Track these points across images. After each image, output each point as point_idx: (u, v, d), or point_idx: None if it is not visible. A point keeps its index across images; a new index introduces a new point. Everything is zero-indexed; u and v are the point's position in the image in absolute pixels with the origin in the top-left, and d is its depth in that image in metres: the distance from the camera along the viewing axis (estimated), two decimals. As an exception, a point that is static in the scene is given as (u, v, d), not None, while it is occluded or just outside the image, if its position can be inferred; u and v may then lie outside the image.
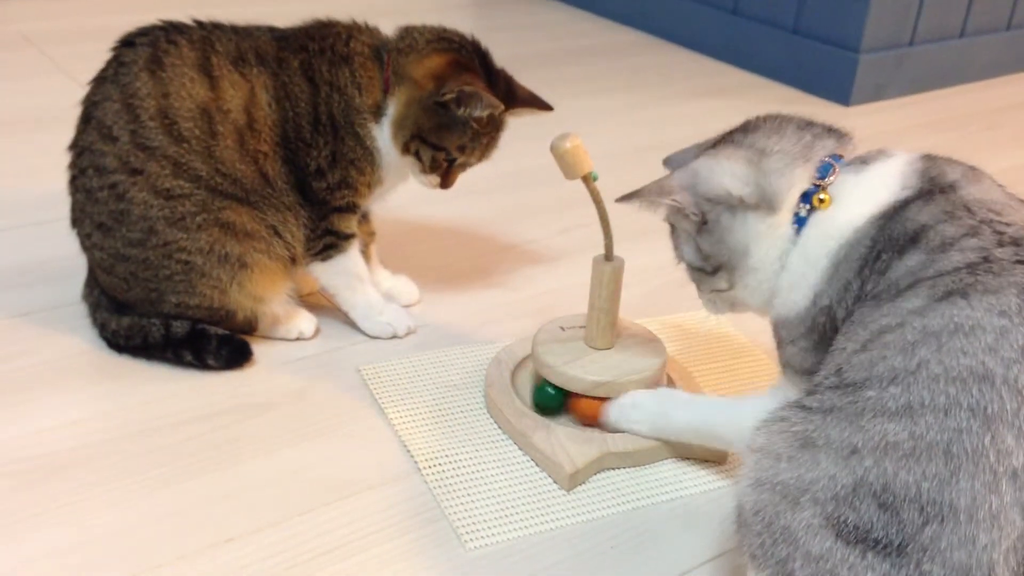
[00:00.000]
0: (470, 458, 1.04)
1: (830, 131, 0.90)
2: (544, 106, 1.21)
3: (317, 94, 1.13)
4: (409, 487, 1.00)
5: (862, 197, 0.83)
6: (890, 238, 0.78)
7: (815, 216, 0.85)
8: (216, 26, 1.15)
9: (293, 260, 1.18)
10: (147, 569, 0.88)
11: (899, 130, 2.14)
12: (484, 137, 1.16)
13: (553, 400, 1.07)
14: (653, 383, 1.09)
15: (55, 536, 0.91)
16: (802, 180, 0.86)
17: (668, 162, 0.99)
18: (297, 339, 1.23)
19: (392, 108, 1.14)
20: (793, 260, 0.86)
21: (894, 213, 0.80)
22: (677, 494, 1.02)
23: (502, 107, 1.12)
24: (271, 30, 1.17)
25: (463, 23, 1.35)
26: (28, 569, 0.87)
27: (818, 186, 0.85)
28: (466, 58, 1.15)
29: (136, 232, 1.11)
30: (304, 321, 1.23)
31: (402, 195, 1.29)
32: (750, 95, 2.30)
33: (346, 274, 1.21)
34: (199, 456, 1.02)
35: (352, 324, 1.25)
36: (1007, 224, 0.75)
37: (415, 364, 1.19)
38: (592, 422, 1.06)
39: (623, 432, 1.04)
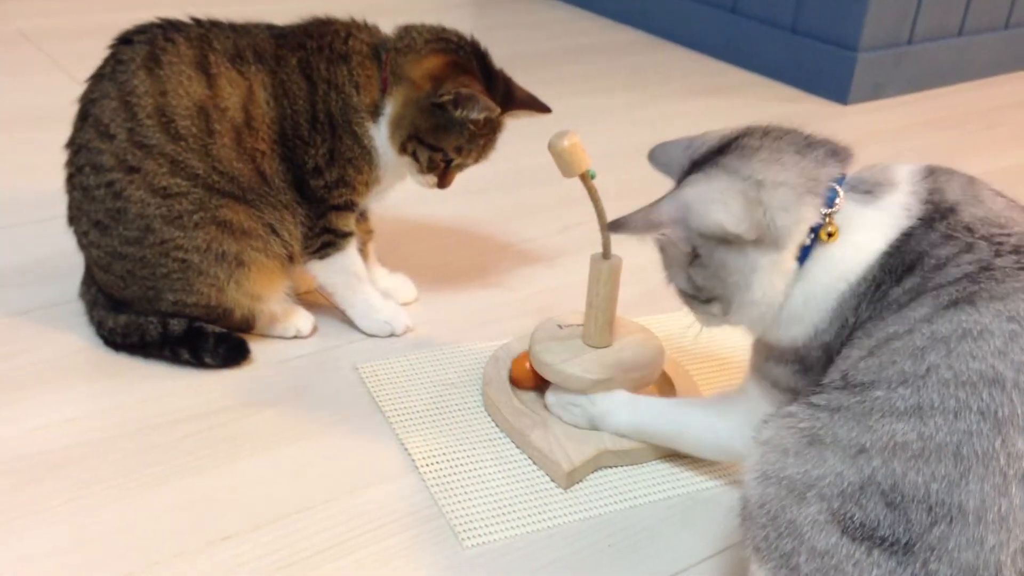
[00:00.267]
0: (467, 456, 1.04)
1: (830, 152, 0.84)
2: (542, 108, 1.21)
3: (315, 92, 1.13)
4: (406, 485, 1.00)
5: (870, 237, 0.79)
6: (889, 271, 0.77)
7: (822, 251, 0.80)
8: (214, 24, 1.15)
9: (291, 258, 1.18)
10: (145, 567, 0.88)
11: (897, 129, 2.14)
12: (481, 139, 1.16)
13: None
14: (651, 381, 1.09)
15: (53, 534, 0.91)
16: (810, 214, 0.80)
17: (653, 156, 0.93)
18: (294, 337, 1.23)
19: (390, 108, 1.14)
20: (796, 296, 0.82)
21: (898, 246, 0.78)
22: (674, 492, 1.02)
23: (498, 110, 1.12)
24: (269, 28, 1.17)
25: (462, 22, 1.35)
26: (26, 567, 0.87)
27: (825, 214, 0.80)
28: (464, 59, 1.15)
29: (133, 230, 1.11)
30: (301, 319, 1.23)
31: (400, 193, 1.29)
32: (749, 94, 2.30)
33: (344, 272, 1.21)
34: (196, 454, 1.02)
35: (350, 322, 1.25)
36: (1007, 235, 0.75)
37: (413, 362, 1.19)
38: (522, 385, 1.10)
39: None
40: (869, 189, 0.81)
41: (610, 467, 1.04)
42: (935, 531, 0.65)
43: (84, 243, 1.16)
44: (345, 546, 0.92)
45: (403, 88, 1.13)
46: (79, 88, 1.14)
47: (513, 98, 1.18)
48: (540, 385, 1.10)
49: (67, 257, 1.25)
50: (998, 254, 0.73)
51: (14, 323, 1.22)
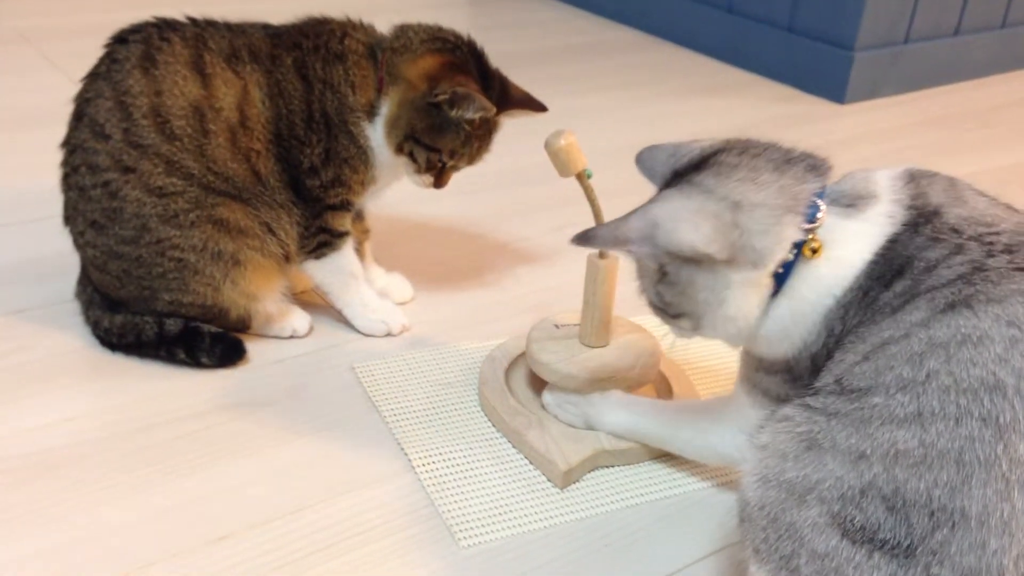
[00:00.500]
0: (464, 456, 1.04)
1: (810, 167, 0.81)
2: (539, 107, 1.20)
3: (311, 92, 1.13)
4: (402, 485, 1.00)
5: (855, 249, 0.77)
6: (877, 277, 0.76)
7: (806, 267, 0.79)
8: (209, 23, 1.15)
9: (287, 258, 1.18)
10: (140, 567, 0.88)
11: (894, 128, 2.14)
12: (477, 139, 1.16)
13: None
14: (647, 381, 1.09)
15: (48, 534, 0.91)
16: (791, 232, 0.78)
17: (640, 160, 0.91)
18: (291, 337, 1.22)
19: (385, 108, 1.14)
20: (783, 313, 0.80)
21: (883, 253, 0.77)
22: (671, 492, 1.02)
23: (494, 110, 1.12)
24: (265, 27, 1.17)
25: (459, 21, 1.35)
26: (22, 567, 0.87)
27: (807, 231, 0.78)
28: (460, 59, 1.14)
29: (129, 230, 1.11)
30: (298, 319, 1.23)
31: (396, 193, 1.29)
32: (745, 93, 2.30)
33: (340, 272, 1.21)
34: (192, 454, 1.02)
35: (346, 322, 1.25)
36: (997, 234, 0.74)
37: (409, 362, 1.19)
38: None
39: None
40: (851, 202, 0.80)
41: (607, 467, 1.04)
42: (937, 535, 0.65)
43: (80, 243, 1.16)
44: (341, 546, 0.92)
45: (399, 88, 1.13)
46: (76, 87, 1.14)
47: (509, 97, 1.18)
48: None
49: (63, 257, 1.25)
50: (990, 254, 0.73)
51: (9, 322, 1.22)
